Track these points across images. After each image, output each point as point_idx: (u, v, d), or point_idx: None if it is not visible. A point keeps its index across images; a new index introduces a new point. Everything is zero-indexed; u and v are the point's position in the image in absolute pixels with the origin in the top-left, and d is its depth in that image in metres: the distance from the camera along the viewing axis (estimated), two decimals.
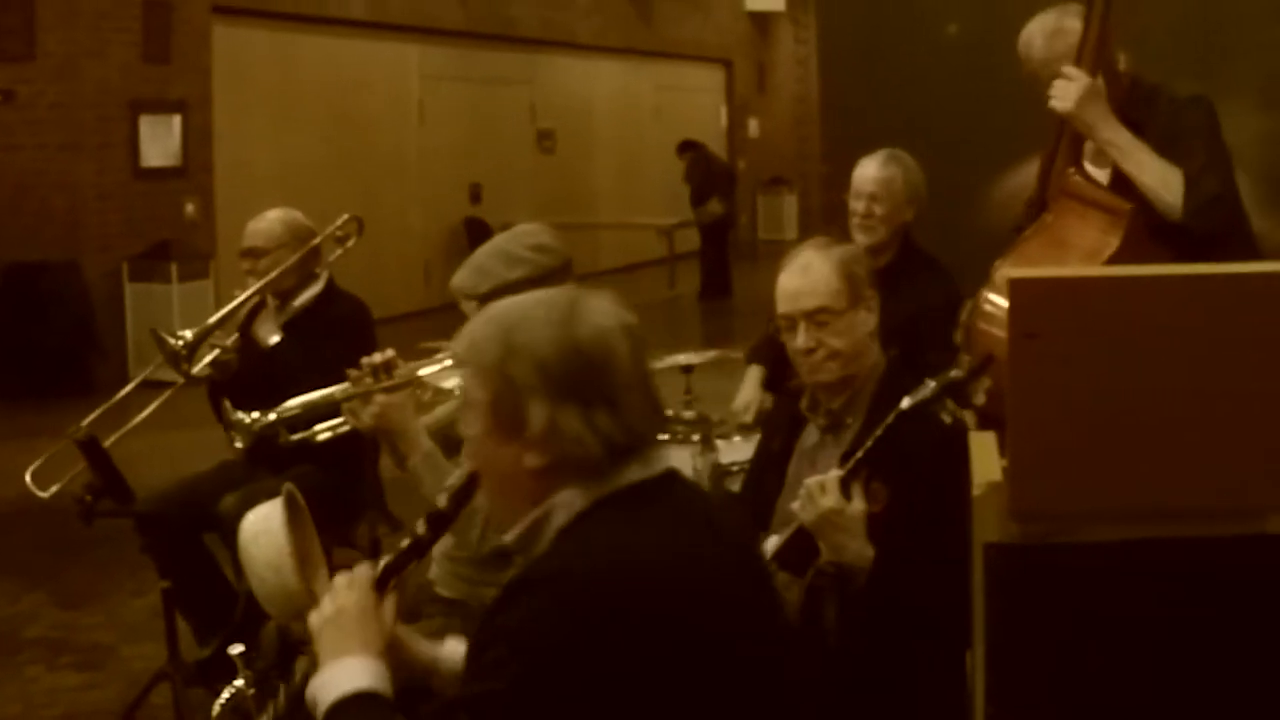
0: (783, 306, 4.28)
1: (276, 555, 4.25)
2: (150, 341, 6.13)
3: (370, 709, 2.81)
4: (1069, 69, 4.46)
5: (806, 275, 4.25)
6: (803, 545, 3.88)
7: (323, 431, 5.25)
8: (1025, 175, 5.04)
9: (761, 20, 30.06)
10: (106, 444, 5.60)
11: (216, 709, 4.42)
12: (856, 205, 5.99)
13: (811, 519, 3.80)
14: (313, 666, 2.97)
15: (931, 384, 3.71)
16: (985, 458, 2.93)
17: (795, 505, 3.85)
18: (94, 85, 14.63)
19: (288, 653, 5.66)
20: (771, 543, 4.01)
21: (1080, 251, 4.42)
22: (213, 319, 5.99)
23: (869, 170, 6.01)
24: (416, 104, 19.97)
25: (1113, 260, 4.28)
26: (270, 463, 5.75)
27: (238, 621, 5.68)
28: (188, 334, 5.86)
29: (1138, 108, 4.55)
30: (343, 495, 5.91)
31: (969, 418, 3.89)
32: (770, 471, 4.45)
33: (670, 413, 6.41)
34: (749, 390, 6.35)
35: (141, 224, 15.08)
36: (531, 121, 22.92)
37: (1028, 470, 2.68)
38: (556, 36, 22.83)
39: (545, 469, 2.78)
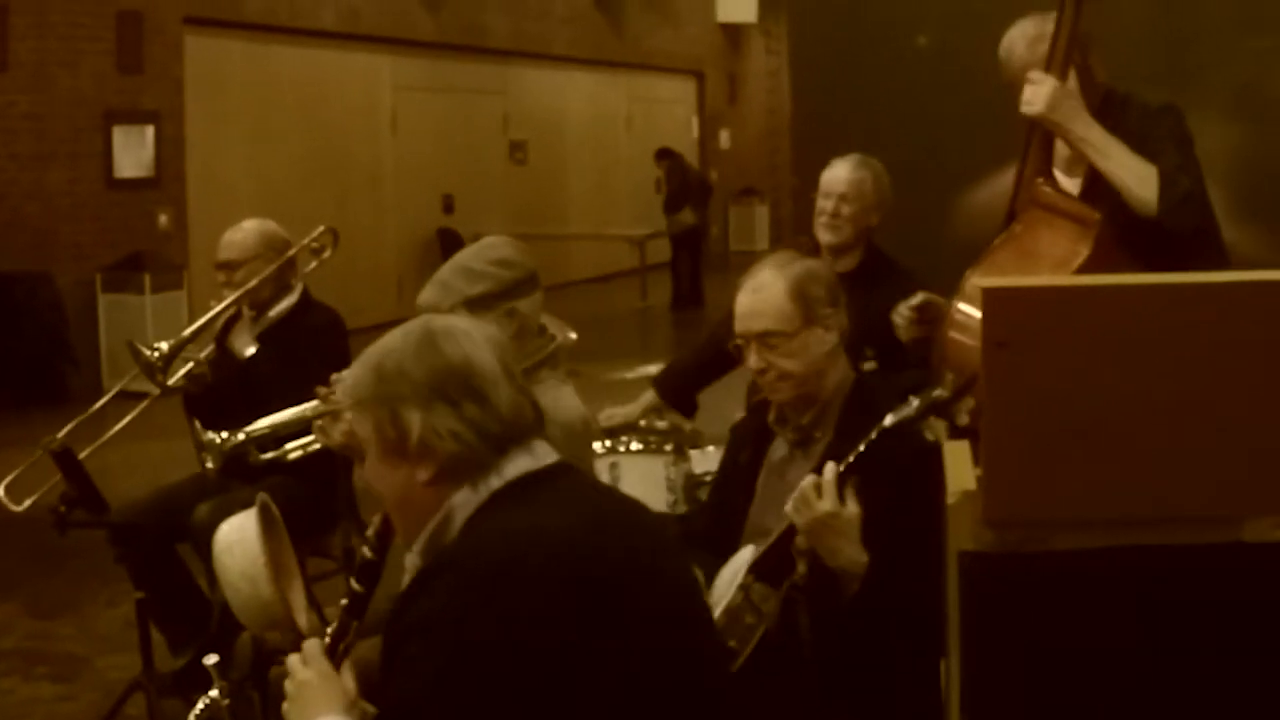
0: (737, 326, 4.28)
1: (251, 565, 4.27)
2: (124, 352, 6.13)
3: None
4: (1034, 73, 4.46)
5: (757, 296, 4.23)
6: (780, 557, 3.86)
7: (293, 450, 5.26)
8: (996, 186, 5.05)
9: (733, 32, 30.08)
10: (82, 455, 5.60)
11: (191, 719, 4.41)
12: (825, 204, 6.00)
13: (806, 522, 3.77)
14: None
15: (915, 402, 3.70)
16: (959, 466, 2.94)
17: (789, 508, 3.80)
18: (67, 95, 14.61)
19: (262, 663, 5.66)
20: (746, 554, 4.00)
21: (1050, 261, 4.42)
22: (188, 330, 6.00)
23: (840, 171, 6.03)
24: (389, 115, 19.96)
25: (1082, 270, 4.29)
26: (244, 474, 5.74)
27: (212, 632, 5.69)
28: (163, 345, 5.87)
29: (1110, 116, 4.57)
30: (316, 505, 5.90)
31: (940, 427, 3.90)
32: (737, 484, 4.43)
33: (643, 422, 6.43)
34: (633, 408, 6.34)
35: (115, 234, 15.06)
36: (504, 132, 22.92)
37: (1002, 478, 2.69)
38: (529, 48, 22.85)
39: (436, 477, 2.92)
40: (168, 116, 15.69)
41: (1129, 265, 4.22)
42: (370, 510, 6.03)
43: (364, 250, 18.53)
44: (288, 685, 3.04)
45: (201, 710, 4.28)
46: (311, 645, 3.06)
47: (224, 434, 5.24)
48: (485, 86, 22.16)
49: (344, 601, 3.13)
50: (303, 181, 17.56)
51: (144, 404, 6.14)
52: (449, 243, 19.44)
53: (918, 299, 5.04)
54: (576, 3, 24.28)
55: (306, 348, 5.97)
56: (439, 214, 21.05)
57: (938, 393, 3.68)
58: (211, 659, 4.05)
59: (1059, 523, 2.71)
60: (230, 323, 6.25)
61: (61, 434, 5.66)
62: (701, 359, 6.41)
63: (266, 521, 4.24)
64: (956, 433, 3.69)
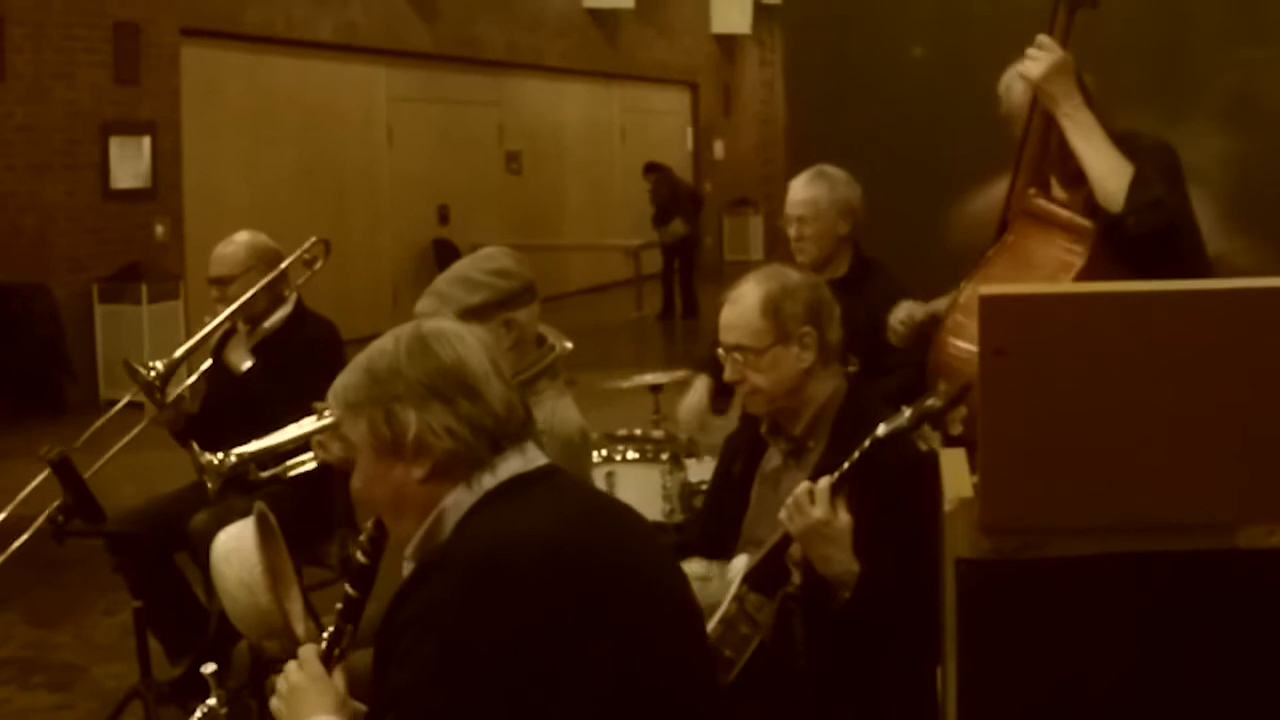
0: (719, 335, 4.30)
1: (248, 574, 4.27)
2: (121, 363, 6.15)
3: None
4: (1042, 38, 4.46)
5: (733, 309, 4.23)
6: (774, 567, 3.87)
7: (293, 468, 5.27)
8: (989, 196, 5.06)
9: (727, 43, 30.10)
10: (88, 475, 5.61)
11: None
12: (789, 230, 6.03)
13: (800, 529, 3.76)
14: None
15: (908, 412, 3.68)
16: (956, 473, 2.94)
17: (782, 515, 3.80)
18: (63, 107, 14.63)
19: (260, 671, 5.67)
20: (740, 563, 4.00)
21: (1044, 270, 4.43)
22: (182, 348, 6.01)
23: (794, 194, 6.04)
24: (385, 126, 19.96)
25: (1078, 279, 4.30)
26: (241, 483, 5.75)
27: (210, 640, 5.69)
28: (159, 365, 5.89)
29: None
30: (313, 514, 5.89)
31: (935, 437, 3.91)
32: (731, 494, 4.43)
33: (639, 431, 6.45)
34: (693, 398, 6.30)
35: (111, 245, 15.07)
36: (499, 143, 22.92)
37: (998, 485, 2.69)
38: (524, 59, 22.86)
39: (431, 474, 2.96)
40: (164, 127, 15.70)
41: (1123, 275, 4.21)
42: (367, 519, 6.08)
43: (360, 260, 18.54)
44: (280, 685, 3.07)
45: (199, 718, 4.28)
46: (306, 650, 3.10)
47: (220, 455, 5.26)
48: (480, 97, 22.18)
49: (339, 606, 3.15)
50: (299, 192, 17.58)
51: (146, 420, 6.13)
52: (444, 253, 19.45)
53: (921, 313, 5.06)
54: (571, 14, 24.31)
55: (302, 359, 5.98)
56: (434, 224, 21.05)
57: (930, 402, 3.66)
58: (209, 667, 4.06)
59: (1055, 529, 2.71)
60: (225, 338, 6.26)
61: (78, 443, 5.69)
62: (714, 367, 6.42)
63: (264, 530, 4.24)
64: (950, 442, 3.69)
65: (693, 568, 3.96)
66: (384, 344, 3.05)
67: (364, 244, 18.94)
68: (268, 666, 5.61)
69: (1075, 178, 4.59)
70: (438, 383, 2.94)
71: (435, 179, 20.93)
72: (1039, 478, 2.69)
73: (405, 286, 19.01)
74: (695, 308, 21.44)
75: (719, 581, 4.01)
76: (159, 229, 15.68)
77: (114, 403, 6.45)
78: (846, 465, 3.74)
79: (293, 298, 6.32)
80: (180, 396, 6.05)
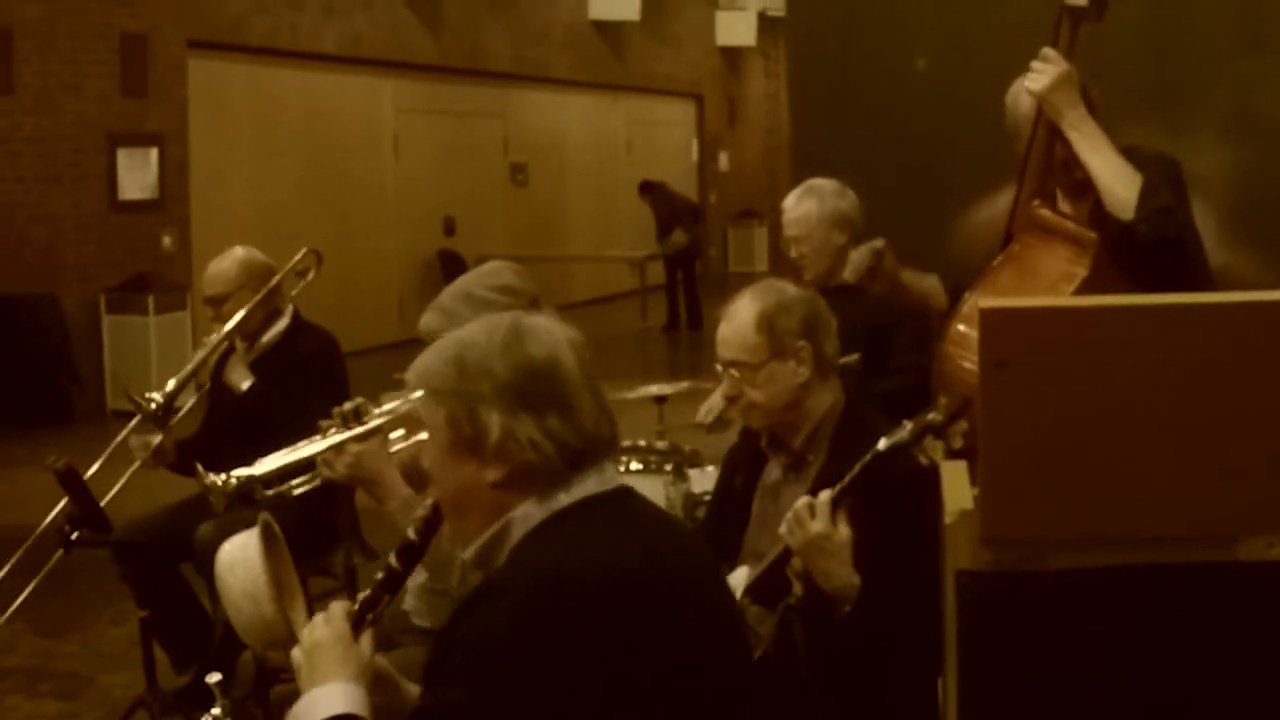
0: (716, 350, 4.30)
1: (253, 584, 4.27)
2: (128, 373, 6.18)
3: None
4: (1047, 51, 4.47)
5: (728, 325, 4.25)
6: (776, 579, 3.88)
7: (298, 486, 5.29)
8: (993, 208, 5.06)
9: (732, 55, 30.13)
10: (86, 476, 5.63)
11: None
12: (788, 250, 6.05)
13: (800, 543, 3.76)
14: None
15: (908, 426, 3.68)
16: (957, 486, 2.95)
17: (783, 529, 3.80)
18: (71, 118, 14.65)
19: (265, 681, 5.68)
20: (741, 575, 4.01)
21: (1048, 281, 4.43)
22: (179, 376, 6.03)
23: (786, 213, 6.04)
24: (390, 137, 19.98)
25: (1080, 291, 4.30)
26: (246, 496, 5.76)
27: (215, 650, 5.71)
28: (158, 396, 5.92)
29: None
30: (319, 524, 5.91)
31: (938, 449, 3.92)
32: (732, 507, 4.44)
33: (643, 442, 6.45)
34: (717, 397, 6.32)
35: (119, 256, 15.09)
36: (504, 155, 22.93)
37: (999, 497, 2.71)
38: (529, 71, 22.87)
39: (504, 481, 2.84)
40: (171, 139, 15.73)
41: (1126, 287, 4.22)
42: (372, 530, 6.10)
43: (366, 272, 18.58)
44: (304, 635, 2.99)
45: None
46: (336, 606, 3.02)
47: (223, 476, 5.27)
48: (486, 109, 22.20)
49: (379, 575, 3.08)
50: (305, 203, 17.60)
51: (157, 437, 6.13)
52: (450, 264, 19.47)
53: (879, 243, 5.12)
54: (576, 26, 24.31)
55: (300, 371, 6.01)
56: (440, 236, 21.06)
57: (931, 416, 3.67)
58: (214, 677, 4.05)
59: (1056, 542, 2.72)
60: (224, 357, 6.27)
61: (90, 470, 5.71)
62: None
63: (269, 540, 4.24)
64: (952, 456, 3.69)
65: None
66: (476, 334, 2.92)
67: (369, 255, 18.97)
68: (272, 677, 5.64)
69: (1080, 190, 4.60)
70: (531, 393, 2.83)
71: (441, 190, 20.95)
72: (1040, 490, 2.70)
73: (410, 297, 19.01)
74: (700, 319, 21.43)
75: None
76: (166, 240, 15.71)
77: (120, 413, 6.49)
78: (847, 479, 3.74)
79: (289, 310, 6.33)
80: (169, 428, 6.07)
